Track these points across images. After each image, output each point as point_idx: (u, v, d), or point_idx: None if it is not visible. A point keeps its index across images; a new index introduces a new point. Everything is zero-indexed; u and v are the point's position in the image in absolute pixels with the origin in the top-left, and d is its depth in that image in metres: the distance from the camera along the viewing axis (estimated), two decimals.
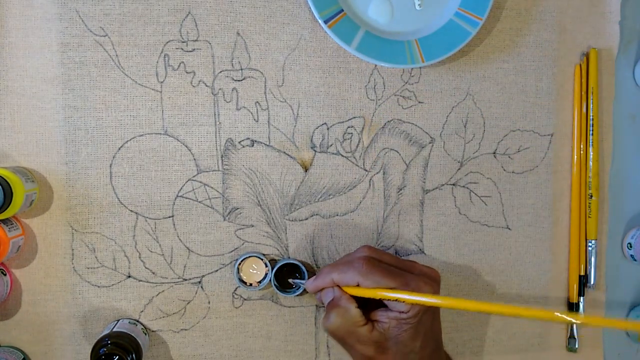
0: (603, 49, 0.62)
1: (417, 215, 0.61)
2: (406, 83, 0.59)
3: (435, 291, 0.51)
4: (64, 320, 0.56)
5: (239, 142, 0.57)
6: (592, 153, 0.62)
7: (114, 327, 0.54)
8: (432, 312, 0.51)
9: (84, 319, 0.56)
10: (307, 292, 0.59)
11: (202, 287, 0.58)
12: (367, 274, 0.50)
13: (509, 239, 0.62)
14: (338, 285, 0.52)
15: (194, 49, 0.56)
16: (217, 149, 0.57)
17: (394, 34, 0.57)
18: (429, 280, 0.51)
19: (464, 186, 0.61)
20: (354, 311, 0.50)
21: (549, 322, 0.63)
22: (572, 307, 0.62)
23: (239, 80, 0.57)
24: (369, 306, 0.51)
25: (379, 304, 0.51)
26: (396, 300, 0.49)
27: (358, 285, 0.50)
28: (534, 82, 0.61)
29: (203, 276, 0.58)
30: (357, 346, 0.50)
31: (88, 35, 0.55)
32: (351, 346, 0.51)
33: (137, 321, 0.57)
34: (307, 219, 0.59)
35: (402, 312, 0.49)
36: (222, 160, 0.57)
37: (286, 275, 0.58)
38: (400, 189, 0.60)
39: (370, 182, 0.59)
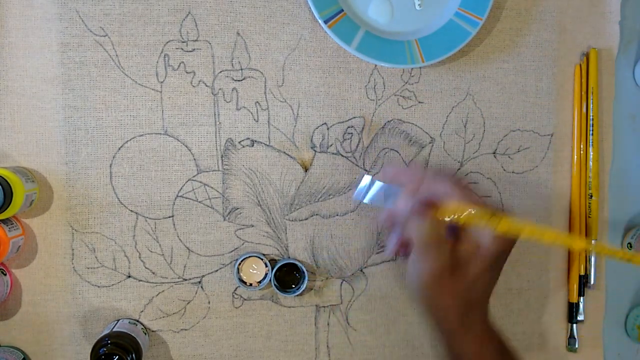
0: (603, 49, 0.62)
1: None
2: (406, 83, 0.59)
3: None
4: (64, 320, 0.56)
5: (239, 142, 0.57)
6: (592, 153, 0.62)
7: (114, 327, 0.54)
8: (510, 253, 0.50)
9: (84, 319, 0.56)
10: (306, 293, 0.59)
11: (202, 287, 0.58)
12: (463, 188, 0.49)
13: None
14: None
15: (194, 49, 0.56)
16: (217, 149, 0.57)
17: (394, 34, 0.57)
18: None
19: None
20: (445, 223, 0.49)
21: (549, 322, 0.63)
22: (572, 307, 0.62)
23: (239, 80, 0.57)
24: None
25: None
26: (487, 223, 0.47)
27: (446, 196, 0.49)
28: (534, 82, 0.61)
29: (203, 276, 0.58)
30: (434, 256, 0.48)
31: (88, 35, 0.55)
32: (429, 254, 0.48)
33: (137, 321, 0.57)
34: (307, 219, 0.59)
35: (483, 246, 0.48)
36: (222, 160, 0.57)
37: (286, 275, 0.58)
38: None
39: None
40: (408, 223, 0.49)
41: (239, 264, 0.57)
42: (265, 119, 0.58)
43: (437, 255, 0.48)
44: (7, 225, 0.52)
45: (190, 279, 0.58)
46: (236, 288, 0.58)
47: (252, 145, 0.58)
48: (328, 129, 0.59)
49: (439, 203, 0.49)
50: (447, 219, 0.49)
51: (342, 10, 0.56)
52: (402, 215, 0.50)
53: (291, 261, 0.58)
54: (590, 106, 0.61)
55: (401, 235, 0.51)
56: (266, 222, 0.58)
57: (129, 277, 0.57)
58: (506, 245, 0.49)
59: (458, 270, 0.49)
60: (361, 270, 0.60)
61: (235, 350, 0.59)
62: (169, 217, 0.57)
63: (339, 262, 0.60)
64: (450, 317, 0.49)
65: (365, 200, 0.54)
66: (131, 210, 0.56)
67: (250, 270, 0.57)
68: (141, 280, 0.57)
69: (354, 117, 0.59)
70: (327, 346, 0.60)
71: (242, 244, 0.58)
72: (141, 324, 0.57)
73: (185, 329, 0.58)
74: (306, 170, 0.59)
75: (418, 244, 0.49)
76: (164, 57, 0.56)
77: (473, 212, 0.48)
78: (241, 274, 0.57)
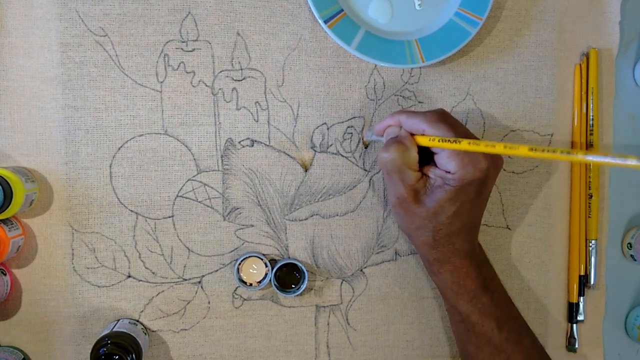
0: (603, 49, 0.62)
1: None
2: (406, 83, 0.59)
3: (490, 165, 0.51)
4: (64, 320, 0.56)
5: (239, 142, 0.57)
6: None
7: (114, 327, 0.54)
8: (477, 187, 0.51)
9: (84, 319, 0.56)
10: (306, 293, 0.59)
11: (202, 287, 0.58)
12: (435, 122, 0.51)
13: (509, 239, 0.62)
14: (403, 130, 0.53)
15: (194, 49, 0.56)
16: (217, 149, 0.57)
17: (394, 34, 0.57)
18: (489, 156, 0.51)
19: None
20: (413, 153, 0.52)
21: (549, 322, 0.63)
22: (572, 307, 0.62)
23: (239, 80, 0.57)
24: (422, 163, 0.53)
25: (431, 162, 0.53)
26: (451, 148, 0.50)
27: (423, 134, 0.52)
28: (534, 82, 0.61)
29: (203, 276, 0.58)
30: (399, 185, 0.52)
31: (88, 35, 0.55)
32: (394, 182, 0.52)
33: (137, 321, 0.57)
34: (307, 219, 0.59)
35: (449, 172, 0.51)
36: (222, 160, 0.57)
37: (286, 275, 0.58)
38: None
39: (370, 182, 0.59)
40: (383, 152, 0.52)
41: (239, 264, 0.57)
42: (265, 119, 0.58)
43: (400, 187, 0.52)
44: (7, 225, 0.52)
45: (190, 279, 0.58)
46: (236, 288, 0.58)
47: (252, 145, 0.58)
48: (328, 129, 0.59)
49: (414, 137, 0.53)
50: (412, 146, 0.52)
51: (342, 10, 0.56)
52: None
53: (291, 261, 0.58)
54: (590, 106, 0.61)
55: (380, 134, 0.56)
56: (266, 222, 0.58)
57: (129, 277, 0.57)
58: (471, 175, 0.50)
59: (422, 197, 0.52)
60: (361, 270, 0.60)
61: (235, 351, 0.59)
62: (169, 217, 0.57)
63: (339, 262, 0.60)
64: (422, 249, 0.53)
65: (366, 138, 0.58)
66: (131, 210, 0.56)
67: (250, 270, 0.57)
68: (141, 280, 0.57)
69: (354, 117, 0.59)
70: (327, 346, 0.60)
71: (242, 244, 0.58)
72: (141, 324, 0.57)
73: (185, 329, 0.58)
74: (306, 170, 0.59)
75: (385, 174, 0.53)
76: (164, 57, 0.56)
77: (437, 139, 0.51)
78: (241, 274, 0.57)
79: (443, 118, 0.52)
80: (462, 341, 0.55)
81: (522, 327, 0.55)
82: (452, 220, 0.51)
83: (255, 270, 0.57)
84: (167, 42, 0.56)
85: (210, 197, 0.57)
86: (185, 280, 0.58)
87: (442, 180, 0.51)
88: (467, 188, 0.51)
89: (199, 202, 0.57)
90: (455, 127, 0.52)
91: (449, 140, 0.50)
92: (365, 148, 0.59)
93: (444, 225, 0.51)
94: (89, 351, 0.52)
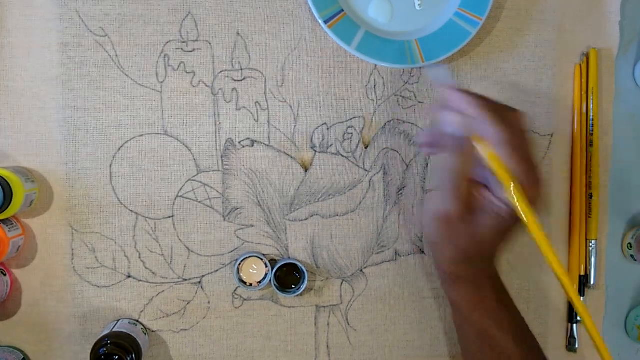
0: (603, 49, 0.62)
1: (417, 216, 0.60)
2: (406, 83, 0.59)
3: (541, 205, 0.48)
4: (64, 320, 0.56)
5: (239, 142, 0.57)
6: (592, 153, 0.62)
7: (114, 327, 0.54)
8: (518, 228, 0.49)
9: (84, 319, 0.56)
10: (306, 293, 0.59)
11: (202, 287, 0.58)
12: (511, 149, 0.46)
13: None
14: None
15: (194, 49, 0.56)
16: (217, 149, 0.57)
17: (393, 34, 0.57)
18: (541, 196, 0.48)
19: None
20: (478, 170, 0.48)
21: (549, 322, 0.63)
22: (572, 307, 0.62)
23: (239, 80, 0.57)
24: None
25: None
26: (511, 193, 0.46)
27: (490, 138, 0.47)
28: (534, 82, 0.61)
29: (203, 276, 0.58)
30: (452, 192, 0.48)
31: (88, 36, 0.55)
32: (449, 189, 0.48)
33: (137, 321, 0.57)
34: (307, 219, 0.59)
35: (501, 200, 0.47)
36: (222, 160, 0.57)
37: (286, 276, 0.58)
38: (400, 189, 0.60)
39: (370, 182, 0.59)
40: (447, 154, 0.49)
41: (239, 264, 0.57)
42: (265, 119, 0.58)
43: (454, 197, 0.48)
44: (7, 225, 0.52)
45: (190, 279, 0.58)
46: (236, 288, 0.58)
47: (252, 145, 0.58)
48: (328, 129, 0.59)
49: (485, 143, 0.47)
50: (473, 164, 0.48)
51: (342, 10, 0.56)
52: (445, 141, 0.50)
53: (291, 261, 0.58)
54: (590, 106, 0.61)
55: (434, 145, 0.52)
56: (266, 222, 0.58)
57: (129, 277, 0.57)
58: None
59: (472, 215, 0.48)
60: (361, 270, 0.60)
61: (235, 351, 0.59)
62: (169, 217, 0.57)
63: (339, 262, 0.60)
64: (445, 263, 0.51)
65: (430, 73, 0.55)
66: (131, 210, 0.56)
67: (250, 271, 0.57)
68: (141, 281, 0.57)
69: (354, 117, 0.59)
70: (327, 346, 0.60)
71: (242, 244, 0.58)
72: (141, 324, 0.57)
73: (185, 329, 0.58)
74: (306, 170, 0.59)
75: (440, 177, 0.50)
76: (164, 57, 0.56)
77: (499, 170, 0.46)
78: (241, 274, 0.57)
79: (520, 144, 0.47)
80: (473, 356, 0.54)
81: (534, 342, 0.54)
82: (490, 247, 0.50)
83: (255, 271, 0.57)
84: (167, 42, 0.56)
85: (210, 197, 0.57)
86: (185, 280, 0.58)
87: (491, 206, 0.48)
88: (516, 224, 0.48)
89: (199, 202, 0.57)
90: (524, 160, 0.47)
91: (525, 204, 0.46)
92: (366, 148, 0.59)
93: (479, 249, 0.49)
94: (89, 351, 0.52)
